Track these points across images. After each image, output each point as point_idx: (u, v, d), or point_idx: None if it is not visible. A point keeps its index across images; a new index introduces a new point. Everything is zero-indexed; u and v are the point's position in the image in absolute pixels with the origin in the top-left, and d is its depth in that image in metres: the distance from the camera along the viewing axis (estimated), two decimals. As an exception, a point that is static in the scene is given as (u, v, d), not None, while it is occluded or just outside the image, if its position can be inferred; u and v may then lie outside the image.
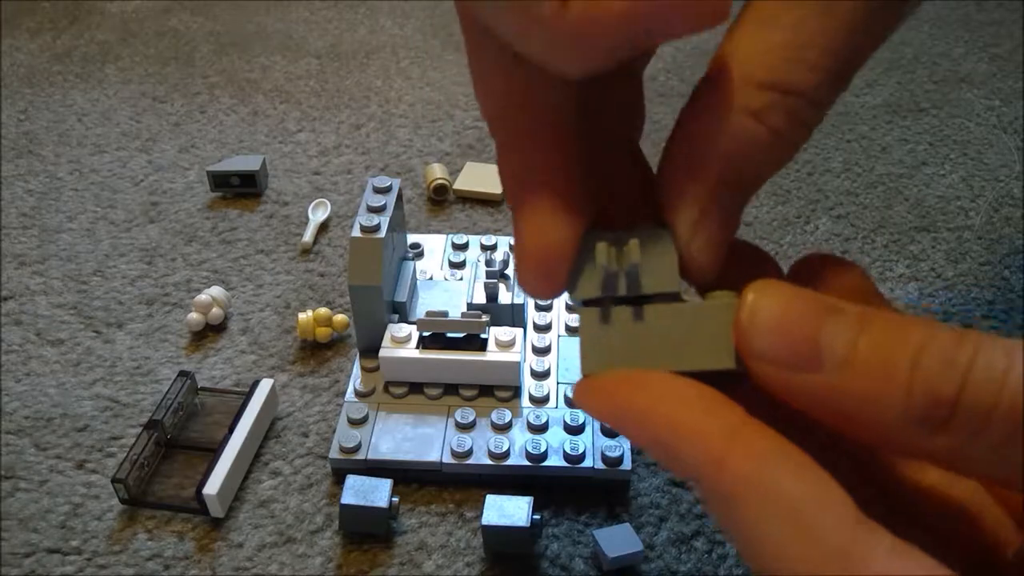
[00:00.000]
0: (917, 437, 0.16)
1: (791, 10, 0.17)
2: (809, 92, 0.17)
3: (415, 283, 0.41)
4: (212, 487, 0.33)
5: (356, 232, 0.37)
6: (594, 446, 0.35)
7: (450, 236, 0.45)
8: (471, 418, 0.36)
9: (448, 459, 0.35)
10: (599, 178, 0.20)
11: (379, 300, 0.37)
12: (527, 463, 0.35)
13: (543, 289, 0.19)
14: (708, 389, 0.17)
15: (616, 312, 0.19)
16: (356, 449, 0.35)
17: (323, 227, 0.49)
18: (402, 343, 0.37)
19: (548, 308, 0.41)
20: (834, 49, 0.17)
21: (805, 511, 0.15)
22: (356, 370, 0.39)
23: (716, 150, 0.18)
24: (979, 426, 0.15)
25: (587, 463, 0.34)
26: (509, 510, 0.32)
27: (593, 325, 0.19)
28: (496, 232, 0.48)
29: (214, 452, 0.35)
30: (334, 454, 0.35)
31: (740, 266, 0.20)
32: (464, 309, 0.39)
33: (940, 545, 0.16)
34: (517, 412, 0.36)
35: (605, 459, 0.34)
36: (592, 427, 0.36)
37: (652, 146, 0.20)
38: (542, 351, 0.39)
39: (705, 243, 0.19)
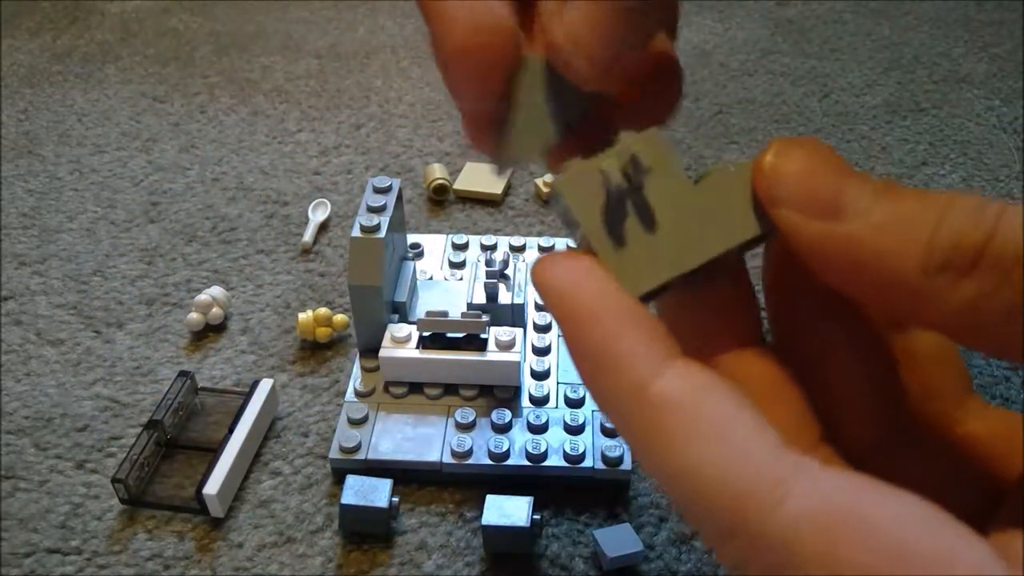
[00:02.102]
0: (937, 287, 0.15)
1: None
2: None
3: (415, 283, 0.41)
4: (212, 487, 0.33)
5: (356, 232, 0.37)
6: (594, 446, 0.35)
7: (450, 236, 0.45)
8: (471, 418, 0.36)
9: (448, 459, 0.35)
10: None
11: (379, 300, 0.37)
12: (527, 463, 0.35)
13: (480, 89, 0.18)
14: (657, 321, 0.17)
15: (629, 220, 0.18)
16: (356, 449, 0.35)
17: (323, 227, 0.49)
18: (402, 343, 0.37)
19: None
20: None
21: (731, 429, 0.15)
22: (356, 370, 0.39)
23: None
24: (1009, 269, 0.15)
25: (587, 463, 0.34)
26: (509, 510, 0.32)
27: (607, 240, 0.18)
28: (496, 232, 0.48)
29: (214, 452, 0.35)
30: (334, 454, 0.35)
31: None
32: (464, 309, 0.39)
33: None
34: (517, 412, 0.36)
35: (605, 459, 0.34)
36: (592, 427, 0.36)
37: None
38: (542, 351, 0.39)
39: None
